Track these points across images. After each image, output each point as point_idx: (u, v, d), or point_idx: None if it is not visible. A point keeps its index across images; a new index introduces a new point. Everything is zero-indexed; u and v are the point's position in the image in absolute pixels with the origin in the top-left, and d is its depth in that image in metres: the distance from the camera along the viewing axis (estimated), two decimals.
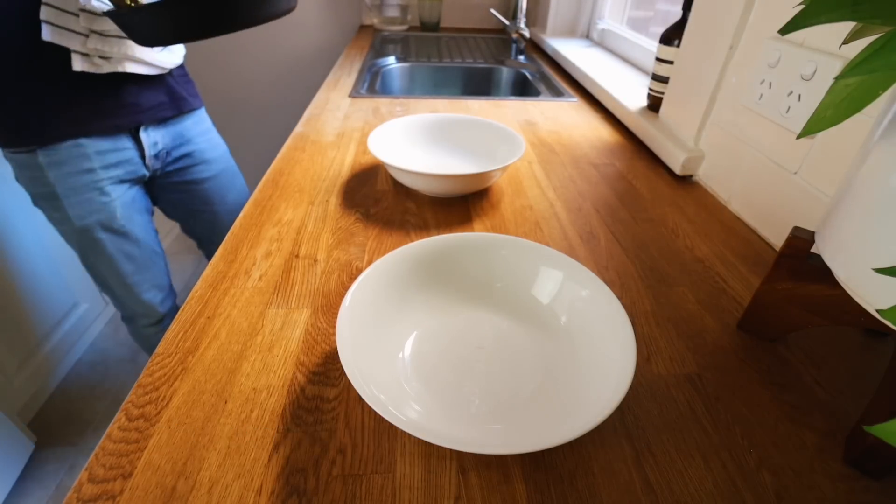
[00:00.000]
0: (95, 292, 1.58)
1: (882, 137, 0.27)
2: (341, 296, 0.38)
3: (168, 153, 0.90)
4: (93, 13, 0.68)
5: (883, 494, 0.31)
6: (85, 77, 0.73)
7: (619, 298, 0.39)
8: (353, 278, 0.41)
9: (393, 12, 1.69)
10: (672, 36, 0.75)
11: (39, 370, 1.39)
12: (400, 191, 0.65)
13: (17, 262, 1.27)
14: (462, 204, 0.62)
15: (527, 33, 1.37)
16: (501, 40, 1.63)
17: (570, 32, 1.48)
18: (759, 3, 0.56)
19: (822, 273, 0.32)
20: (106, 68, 0.73)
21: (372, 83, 1.17)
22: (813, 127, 0.26)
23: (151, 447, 0.33)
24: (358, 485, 0.31)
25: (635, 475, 0.32)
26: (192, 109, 0.93)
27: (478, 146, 0.72)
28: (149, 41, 0.66)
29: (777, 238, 0.54)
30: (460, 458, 0.33)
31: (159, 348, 0.40)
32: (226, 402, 0.36)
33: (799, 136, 0.28)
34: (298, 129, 0.85)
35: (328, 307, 0.45)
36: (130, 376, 1.48)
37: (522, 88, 1.33)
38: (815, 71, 0.47)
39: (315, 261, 0.51)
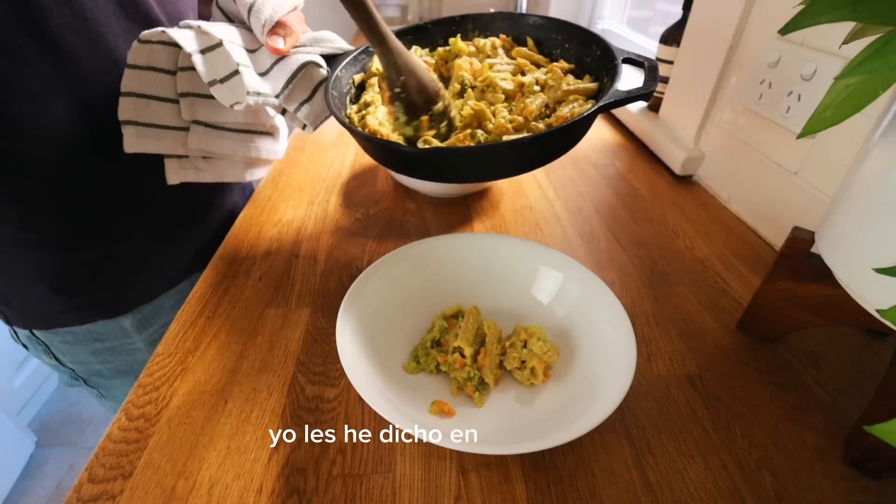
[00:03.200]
0: None
1: (882, 137, 0.27)
2: (341, 296, 0.38)
3: None
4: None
5: (883, 494, 0.31)
6: (180, 192, 0.50)
7: (619, 298, 0.39)
8: (353, 278, 0.41)
9: (393, 12, 1.69)
10: (672, 36, 0.75)
11: (39, 370, 1.39)
12: (400, 191, 0.65)
13: None
14: (462, 204, 0.62)
15: None
16: None
17: None
18: (759, 3, 0.56)
19: (822, 273, 0.32)
20: (208, 175, 0.51)
21: None
22: (813, 127, 0.26)
23: (151, 447, 0.33)
24: (358, 485, 0.31)
25: (635, 475, 0.32)
26: None
27: None
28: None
29: (777, 238, 0.54)
30: (460, 458, 0.33)
31: (159, 348, 0.40)
32: (226, 402, 0.36)
33: (799, 136, 0.28)
34: (298, 128, 0.84)
35: (328, 307, 0.45)
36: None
37: None
38: (815, 71, 0.47)
39: (315, 261, 0.51)
